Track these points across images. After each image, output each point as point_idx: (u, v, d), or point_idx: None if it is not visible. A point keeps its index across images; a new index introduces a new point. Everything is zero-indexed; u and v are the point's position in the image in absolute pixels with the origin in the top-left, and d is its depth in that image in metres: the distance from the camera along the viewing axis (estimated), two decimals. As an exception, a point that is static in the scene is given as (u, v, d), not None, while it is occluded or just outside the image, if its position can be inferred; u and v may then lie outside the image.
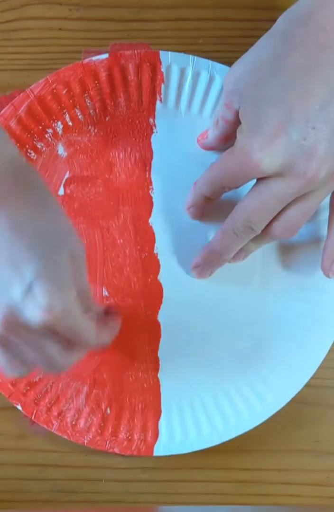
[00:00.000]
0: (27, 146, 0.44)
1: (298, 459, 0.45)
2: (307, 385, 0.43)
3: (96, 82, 0.44)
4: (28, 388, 0.43)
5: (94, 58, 0.44)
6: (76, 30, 0.47)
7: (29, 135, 0.44)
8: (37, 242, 0.32)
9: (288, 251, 0.45)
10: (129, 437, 0.43)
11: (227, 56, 0.46)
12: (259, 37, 0.47)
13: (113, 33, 0.46)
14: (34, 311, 0.31)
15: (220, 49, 0.46)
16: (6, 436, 0.45)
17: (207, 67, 0.44)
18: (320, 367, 0.43)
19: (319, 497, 0.44)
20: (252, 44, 0.47)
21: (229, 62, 0.45)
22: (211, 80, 0.44)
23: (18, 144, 0.44)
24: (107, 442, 0.43)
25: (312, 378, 0.43)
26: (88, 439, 0.43)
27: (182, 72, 0.44)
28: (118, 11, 0.47)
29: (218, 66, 0.44)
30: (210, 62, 0.44)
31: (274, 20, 0.46)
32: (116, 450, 0.43)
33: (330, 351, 0.44)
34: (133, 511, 0.45)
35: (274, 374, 0.44)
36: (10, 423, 0.44)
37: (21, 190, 0.33)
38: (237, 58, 0.45)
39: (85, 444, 0.43)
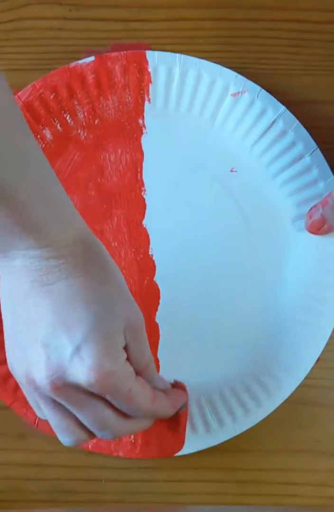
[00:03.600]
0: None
1: (298, 459, 0.45)
2: (306, 385, 0.43)
3: (83, 85, 0.44)
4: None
5: (81, 61, 0.44)
6: (76, 30, 0.47)
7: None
8: (93, 308, 0.32)
9: (288, 254, 0.45)
10: (133, 441, 0.43)
11: (227, 56, 0.46)
12: (258, 37, 0.47)
13: (113, 33, 0.46)
14: (81, 370, 0.31)
15: (220, 49, 0.46)
16: (6, 436, 0.44)
17: (195, 65, 0.44)
18: (320, 367, 0.43)
19: (319, 497, 0.44)
20: (251, 44, 0.47)
21: (229, 62, 0.45)
22: (198, 78, 0.44)
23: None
24: (112, 445, 0.42)
25: (312, 378, 0.43)
26: (92, 443, 0.42)
27: (169, 72, 0.44)
28: (118, 11, 0.47)
29: (206, 64, 0.44)
30: (197, 60, 0.44)
31: (275, 20, 0.47)
32: (120, 454, 0.42)
33: (330, 351, 0.44)
34: (133, 511, 0.45)
35: (274, 373, 0.43)
36: (10, 423, 0.44)
37: (88, 263, 0.33)
38: (237, 58, 0.46)
39: (90, 448, 0.43)
